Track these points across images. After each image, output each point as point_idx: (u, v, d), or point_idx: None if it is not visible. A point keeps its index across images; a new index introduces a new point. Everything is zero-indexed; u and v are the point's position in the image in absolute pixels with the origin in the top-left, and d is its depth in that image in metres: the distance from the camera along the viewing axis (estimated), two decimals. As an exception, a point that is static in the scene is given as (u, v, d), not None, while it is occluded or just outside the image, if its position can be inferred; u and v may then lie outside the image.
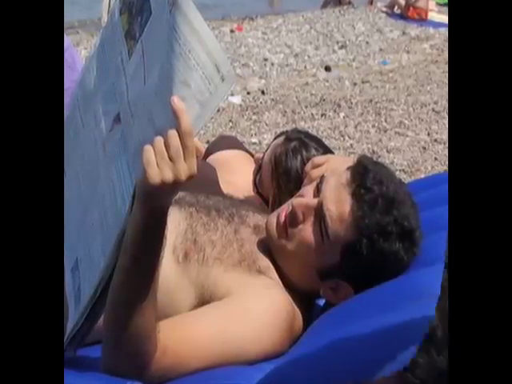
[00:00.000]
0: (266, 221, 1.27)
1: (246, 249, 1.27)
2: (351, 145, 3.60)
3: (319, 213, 1.17)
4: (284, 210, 1.23)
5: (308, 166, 1.40)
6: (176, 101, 0.92)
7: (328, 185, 1.19)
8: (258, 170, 1.68)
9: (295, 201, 1.23)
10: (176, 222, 1.21)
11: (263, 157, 1.67)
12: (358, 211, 1.15)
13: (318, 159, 1.41)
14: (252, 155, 2.04)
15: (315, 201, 1.19)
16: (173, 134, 0.93)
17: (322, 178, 1.23)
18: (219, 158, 1.97)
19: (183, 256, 1.20)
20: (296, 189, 1.38)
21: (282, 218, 1.22)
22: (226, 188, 1.75)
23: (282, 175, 1.57)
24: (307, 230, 1.20)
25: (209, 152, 2.00)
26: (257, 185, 1.66)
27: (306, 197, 1.23)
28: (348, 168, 1.22)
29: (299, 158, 1.57)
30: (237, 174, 1.92)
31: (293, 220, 1.21)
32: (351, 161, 1.30)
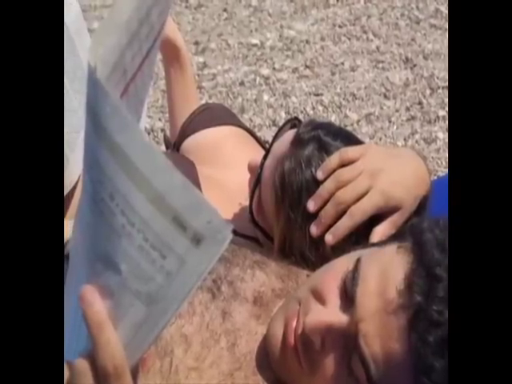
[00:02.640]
0: (268, 328, 0.85)
1: (241, 348, 0.85)
2: (377, 47, 2.87)
3: (353, 347, 0.77)
4: (293, 327, 0.81)
5: (331, 163, 0.96)
6: (88, 297, 0.58)
7: (367, 295, 0.77)
8: (255, 189, 1.05)
9: (309, 319, 0.79)
10: None
11: (262, 165, 1.03)
12: (418, 358, 0.73)
13: (350, 152, 0.97)
14: (251, 132, 1.37)
15: (343, 322, 0.77)
16: (81, 365, 0.60)
17: (357, 265, 0.79)
18: (200, 143, 1.31)
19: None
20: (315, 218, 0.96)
21: (291, 341, 0.81)
22: (210, 195, 1.11)
23: (293, 203, 0.99)
24: (330, 365, 0.79)
25: (185, 133, 1.33)
26: (253, 213, 1.07)
27: (326, 302, 0.80)
28: (400, 252, 0.79)
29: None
30: (227, 168, 1.28)
31: (306, 346, 0.80)
32: (396, 156, 0.98)
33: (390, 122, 2.51)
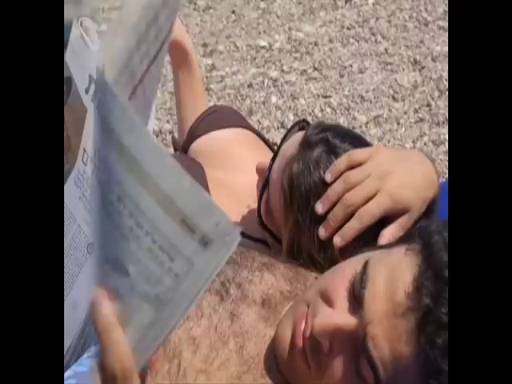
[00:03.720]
0: (277, 330, 0.85)
1: (249, 350, 0.84)
2: (386, 49, 2.86)
3: (361, 349, 0.76)
4: (301, 330, 0.80)
5: (339, 165, 0.96)
6: (96, 299, 0.59)
7: (375, 297, 0.76)
8: (263, 191, 1.04)
9: (317, 321, 0.79)
10: None
11: (271, 167, 1.03)
12: (426, 360, 0.72)
13: (358, 154, 0.97)
14: (259, 135, 1.36)
15: (351, 325, 0.77)
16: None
17: (366, 267, 0.79)
18: (208, 145, 1.31)
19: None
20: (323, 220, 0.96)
21: (300, 343, 0.80)
22: (218, 197, 1.12)
23: (301, 205, 0.99)
24: (338, 368, 0.78)
25: (193, 135, 1.33)
26: (262, 215, 1.06)
27: (334, 304, 0.80)
28: (408, 254, 0.78)
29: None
30: (235, 170, 1.28)
31: (315, 349, 0.79)
32: (404, 159, 0.98)
33: (398, 124, 2.50)
